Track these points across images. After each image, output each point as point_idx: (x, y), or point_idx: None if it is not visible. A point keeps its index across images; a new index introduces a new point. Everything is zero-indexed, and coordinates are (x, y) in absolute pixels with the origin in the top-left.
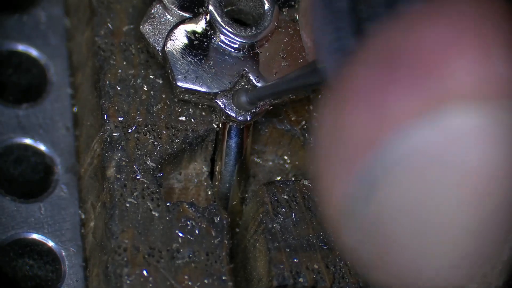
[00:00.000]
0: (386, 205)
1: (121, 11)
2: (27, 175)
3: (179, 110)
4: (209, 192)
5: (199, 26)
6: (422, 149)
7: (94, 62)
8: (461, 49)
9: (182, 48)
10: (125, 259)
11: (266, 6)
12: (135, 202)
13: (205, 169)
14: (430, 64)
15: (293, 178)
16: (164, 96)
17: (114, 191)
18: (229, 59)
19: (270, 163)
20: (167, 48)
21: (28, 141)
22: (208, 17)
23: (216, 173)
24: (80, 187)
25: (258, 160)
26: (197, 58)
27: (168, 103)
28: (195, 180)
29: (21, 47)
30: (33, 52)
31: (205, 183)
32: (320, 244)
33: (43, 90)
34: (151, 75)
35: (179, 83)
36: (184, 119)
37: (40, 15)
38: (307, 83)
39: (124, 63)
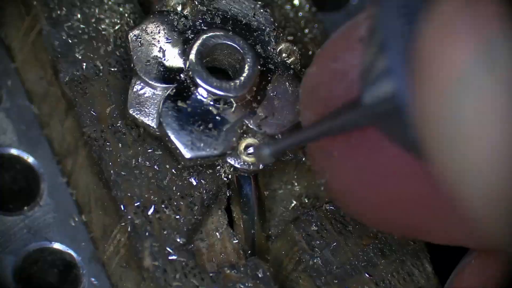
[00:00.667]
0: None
1: (98, 94)
2: (53, 278)
3: (187, 175)
4: (234, 241)
5: (187, 93)
6: None
7: (90, 153)
8: None
9: (178, 120)
10: None
11: (247, 61)
12: (181, 284)
13: (223, 220)
14: None
15: (311, 207)
16: (168, 166)
17: (157, 279)
18: (226, 116)
19: (280, 191)
20: (164, 125)
21: (43, 244)
22: (190, 80)
23: (235, 220)
24: (107, 273)
25: (266, 193)
26: (196, 125)
27: (174, 171)
28: (217, 234)
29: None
30: (14, 151)
31: (227, 234)
32: (362, 264)
33: (38, 187)
34: (149, 149)
35: (188, 156)
36: (195, 183)
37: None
38: (356, 119)
39: (120, 146)
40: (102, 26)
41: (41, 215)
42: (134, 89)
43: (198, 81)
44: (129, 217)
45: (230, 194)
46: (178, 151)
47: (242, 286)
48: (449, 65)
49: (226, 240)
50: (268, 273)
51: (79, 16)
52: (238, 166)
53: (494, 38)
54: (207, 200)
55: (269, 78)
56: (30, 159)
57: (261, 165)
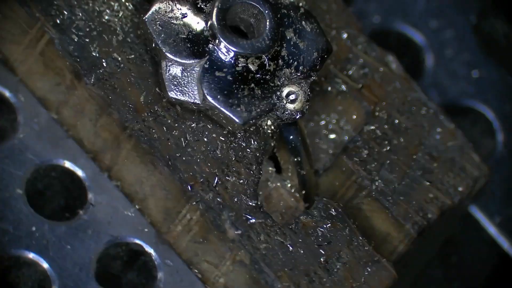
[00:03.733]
0: None
1: (127, 85)
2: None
3: (235, 139)
4: (288, 185)
5: (221, 61)
6: None
7: (137, 145)
8: None
9: (221, 90)
10: None
11: (267, 14)
12: (268, 245)
13: (270, 168)
14: None
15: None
16: (215, 136)
17: (245, 247)
18: (263, 72)
19: (311, 124)
20: (210, 98)
21: (111, 240)
22: (220, 48)
23: (281, 166)
24: (176, 252)
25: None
26: (239, 89)
27: (223, 139)
28: (269, 184)
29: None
30: (67, 164)
31: (278, 181)
32: (419, 174)
33: (83, 188)
34: (192, 124)
35: (241, 121)
36: (244, 144)
37: (28, 123)
38: None
39: (165, 129)
40: (106, 18)
41: (97, 215)
42: (168, 72)
43: (230, 47)
44: (198, 195)
45: (274, 144)
46: (230, 120)
47: (322, 229)
48: None
49: (279, 187)
50: (340, 209)
51: (81, 14)
52: (285, 115)
53: None
54: (260, 156)
55: (286, 22)
56: (67, 164)
57: (305, 110)
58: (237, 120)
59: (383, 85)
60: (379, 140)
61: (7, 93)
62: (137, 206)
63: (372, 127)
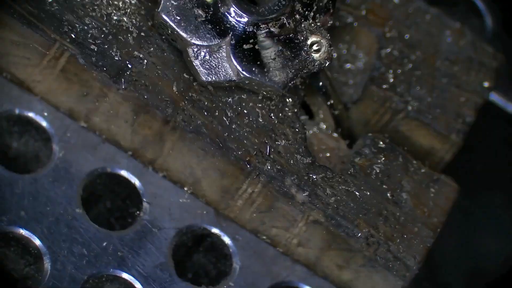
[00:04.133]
0: None
1: (157, 80)
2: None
3: (270, 103)
4: (324, 127)
5: (246, 33)
6: None
7: (182, 135)
8: None
9: (255, 62)
10: (381, 238)
11: None
12: (336, 197)
13: (303, 116)
14: None
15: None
16: (252, 104)
17: (316, 205)
18: (288, 32)
19: None
20: (246, 73)
21: (179, 231)
22: (239, 21)
23: (313, 110)
24: (241, 224)
25: None
26: (271, 57)
27: (260, 105)
28: (307, 132)
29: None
30: (111, 169)
31: (314, 127)
32: (445, 81)
33: (135, 189)
34: (228, 99)
35: (283, 86)
36: (281, 105)
37: (63, 139)
38: None
39: (205, 113)
40: (115, 18)
41: (156, 211)
42: (199, 58)
43: (251, 19)
44: (257, 167)
45: (304, 94)
46: (270, 88)
47: (378, 166)
48: None
49: (317, 132)
50: (387, 140)
51: (92, 22)
52: (316, 67)
53: None
54: (299, 112)
55: None
56: (111, 169)
57: (332, 55)
58: (277, 87)
59: (384, 4)
60: (399, 61)
61: (33, 115)
62: (189, 191)
63: (388, 50)
